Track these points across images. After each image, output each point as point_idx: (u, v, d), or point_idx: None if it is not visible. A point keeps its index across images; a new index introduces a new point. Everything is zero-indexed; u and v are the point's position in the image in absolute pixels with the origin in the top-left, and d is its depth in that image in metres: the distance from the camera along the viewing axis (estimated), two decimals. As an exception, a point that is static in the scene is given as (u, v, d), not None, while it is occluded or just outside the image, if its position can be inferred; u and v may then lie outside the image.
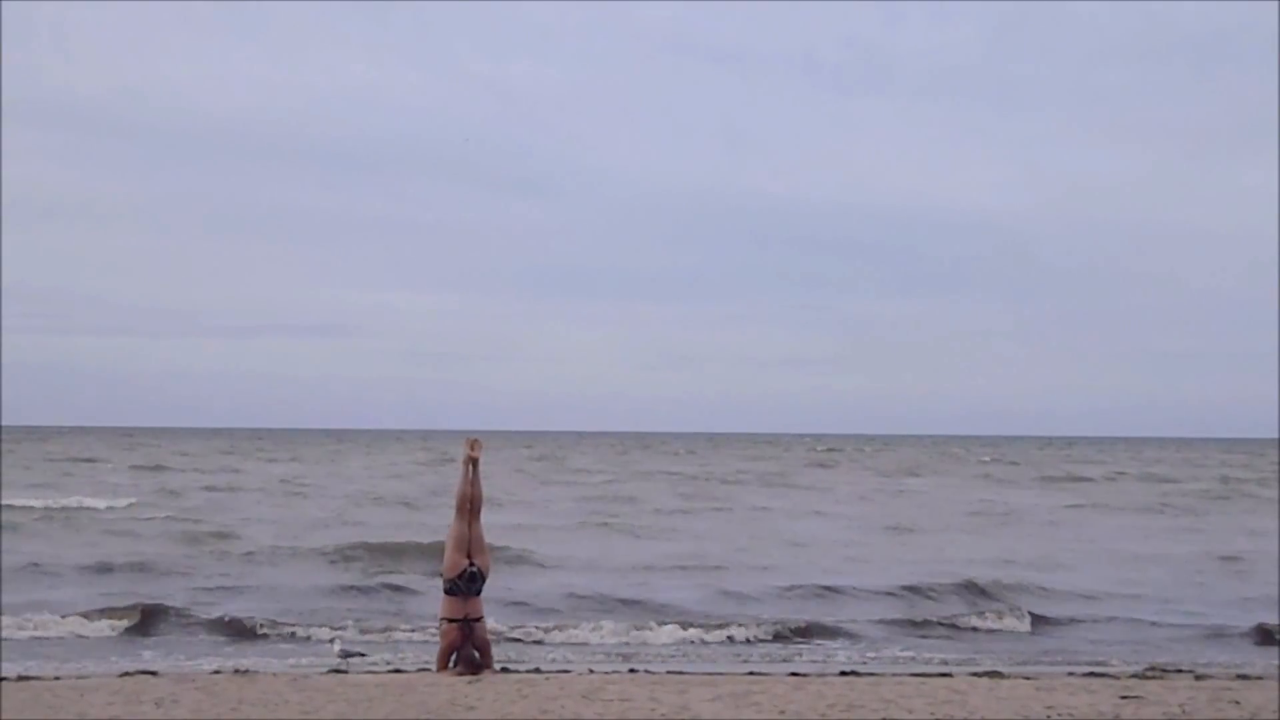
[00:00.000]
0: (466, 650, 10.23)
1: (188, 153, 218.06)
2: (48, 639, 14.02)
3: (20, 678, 10.50)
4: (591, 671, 11.46)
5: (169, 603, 16.10)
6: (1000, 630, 16.08)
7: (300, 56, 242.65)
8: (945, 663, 13.39)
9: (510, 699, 8.95)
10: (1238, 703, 9.24)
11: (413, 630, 14.76)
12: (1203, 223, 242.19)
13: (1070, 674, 11.58)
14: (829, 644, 14.90)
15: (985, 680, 10.52)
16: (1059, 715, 8.62)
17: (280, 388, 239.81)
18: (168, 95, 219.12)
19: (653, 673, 11.34)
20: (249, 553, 21.99)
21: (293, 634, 14.55)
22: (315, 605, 16.79)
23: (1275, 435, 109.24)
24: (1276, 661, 13.43)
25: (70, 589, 17.83)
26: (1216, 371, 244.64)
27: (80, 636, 14.33)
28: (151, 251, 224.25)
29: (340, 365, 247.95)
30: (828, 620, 16.10)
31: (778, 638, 15.17)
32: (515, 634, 14.72)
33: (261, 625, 14.78)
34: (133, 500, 33.41)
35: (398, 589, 18.32)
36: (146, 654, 13.37)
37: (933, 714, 8.61)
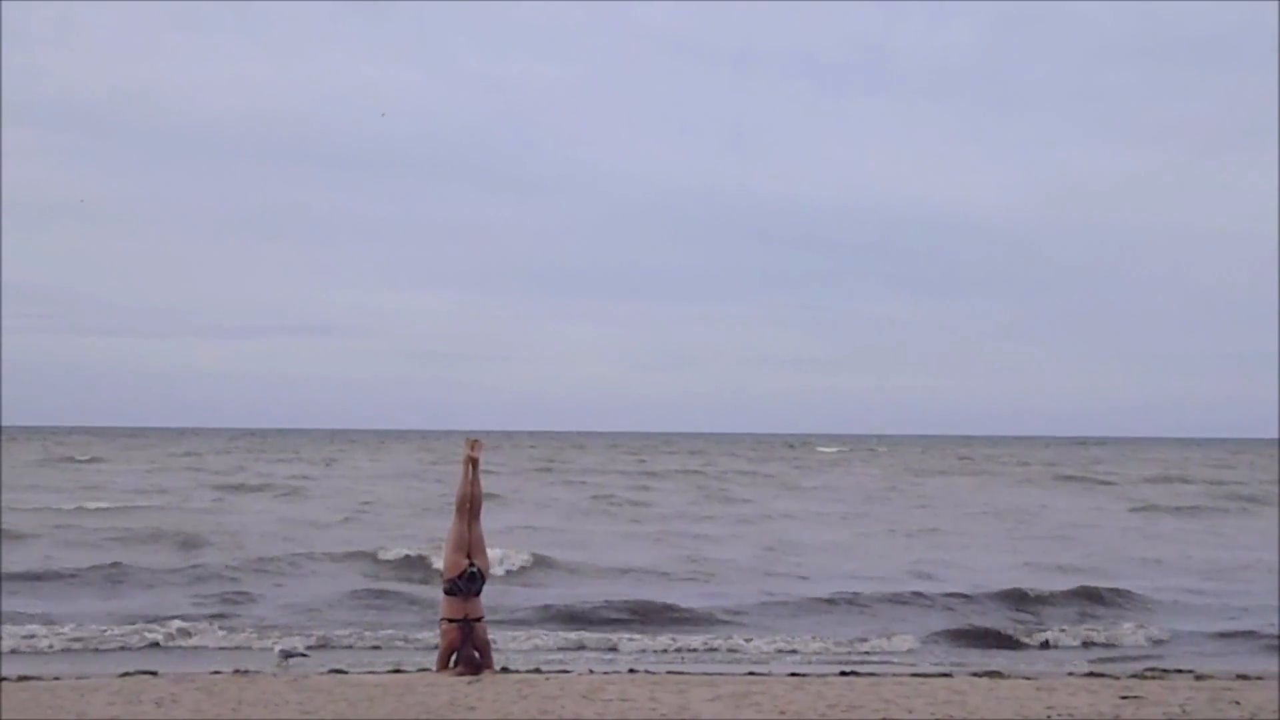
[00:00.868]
0: (466, 650, 10.23)
1: (188, 153, 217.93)
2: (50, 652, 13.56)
3: (20, 678, 10.49)
4: (591, 672, 11.46)
5: (172, 611, 15.92)
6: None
7: (300, 56, 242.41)
8: (947, 663, 13.40)
9: (510, 699, 8.95)
10: (1238, 703, 9.24)
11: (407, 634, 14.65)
12: (1203, 223, 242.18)
13: (1070, 674, 11.59)
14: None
15: (985, 680, 10.53)
16: (1059, 715, 8.62)
17: (280, 388, 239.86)
18: (168, 95, 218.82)
19: (653, 673, 11.34)
20: (260, 558, 21.38)
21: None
22: (315, 611, 16.60)
23: (1275, 435, 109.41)
24: (1277, 661, 13.44)
25: (70, 594, 17.64)
26: (1217, 371, 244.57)
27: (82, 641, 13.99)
28: (151, 251, 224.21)
29: (340, 365, 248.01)
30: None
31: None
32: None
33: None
34: (132, 503, 33.23)
35: (400, 593, 18.20)
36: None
37: (933, 714, 8.61)
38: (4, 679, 10.29)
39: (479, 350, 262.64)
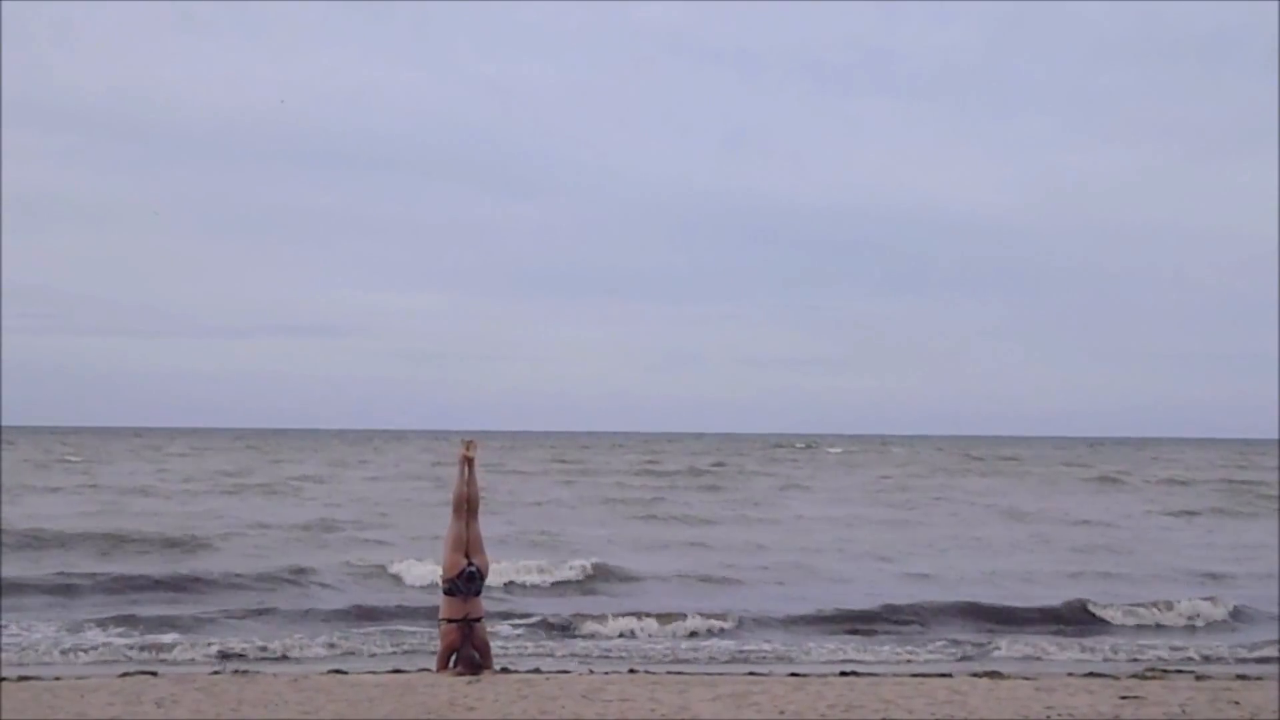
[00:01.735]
0: (466, 650, 10.23)
1: (188, 153, 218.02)
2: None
3: (20, 678, 10.50)
4: (591, 672, 11.47)
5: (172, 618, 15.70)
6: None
7: (300, 56, 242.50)
8: (946, 663, 13.40)
9: (510, 699, 8.95)
10: (1238, 703, 9.23)
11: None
12: (1202, 223, 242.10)
13: (1070, 674, 11.57)
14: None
15: (985, 680, 10.52)
16: (1059, 715, 8.62)
17: (280, 388, 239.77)
18: (168, 95, 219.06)
19: (653, 673, 11.34)
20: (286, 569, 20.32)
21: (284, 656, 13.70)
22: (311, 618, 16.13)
23: (1275, 435, 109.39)
24: (1277, 661, 13.44)
25: (71, 601, 17.15)
26: (1217, 371, 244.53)
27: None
28: (151, 251, 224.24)
29: (340, 365, 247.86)
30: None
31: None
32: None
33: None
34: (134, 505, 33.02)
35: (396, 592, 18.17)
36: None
37: (933, 714, 8.61)
38: (4, 679, 10.30)
39: (479, 350, 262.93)
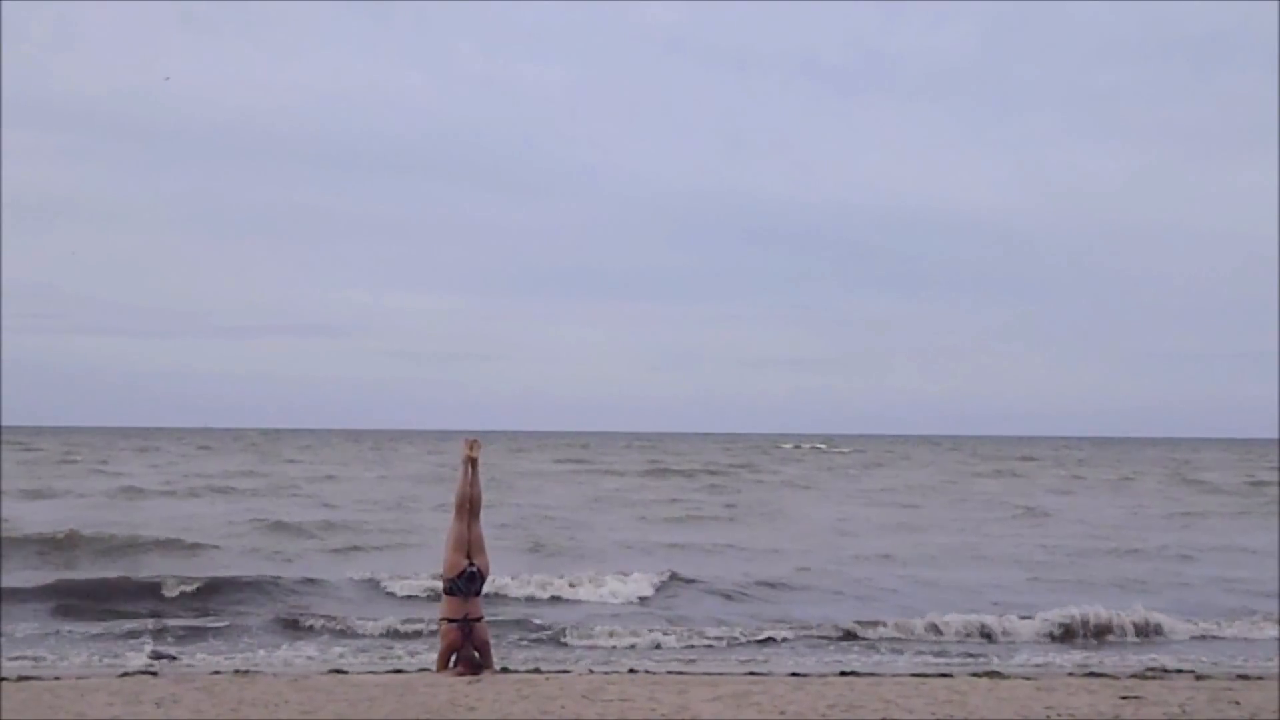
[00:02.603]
0: (466, 650, 10.23)
1: (188, 153, 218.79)
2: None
3: (20, 678, 10.50)
4: (591, 671, 11.46)
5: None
6: None
7: (300, 56, 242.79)
8: (945, 663, 13.39)
9: (510, 699, 8.94)
10: (1238, 703, 9.24)
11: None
12: (1202, 223, 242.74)
13: (1070, 674, 11.58)
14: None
15: (985, 680, 10.52)
16: (1059, 715, 8.62)
17: (280, 388, 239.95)
18: (168, 95, 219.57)
19: (653, 673, 11.34)
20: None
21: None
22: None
23: (1275, 435, 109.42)
24: (1277, 661, 13.43)
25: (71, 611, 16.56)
26: (1216, 371, 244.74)
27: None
28: (151, 251, 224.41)
29: (340, 365, 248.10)
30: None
31: None
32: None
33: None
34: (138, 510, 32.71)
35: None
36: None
37: (933, 714, 8.61)
38: (4, 679, 10.29)
39: (479, 350, 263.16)
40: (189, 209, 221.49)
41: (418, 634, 14.74)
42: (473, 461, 10.59)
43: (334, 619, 15.53)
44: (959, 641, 15.17)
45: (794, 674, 11.17)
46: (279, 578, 19.00)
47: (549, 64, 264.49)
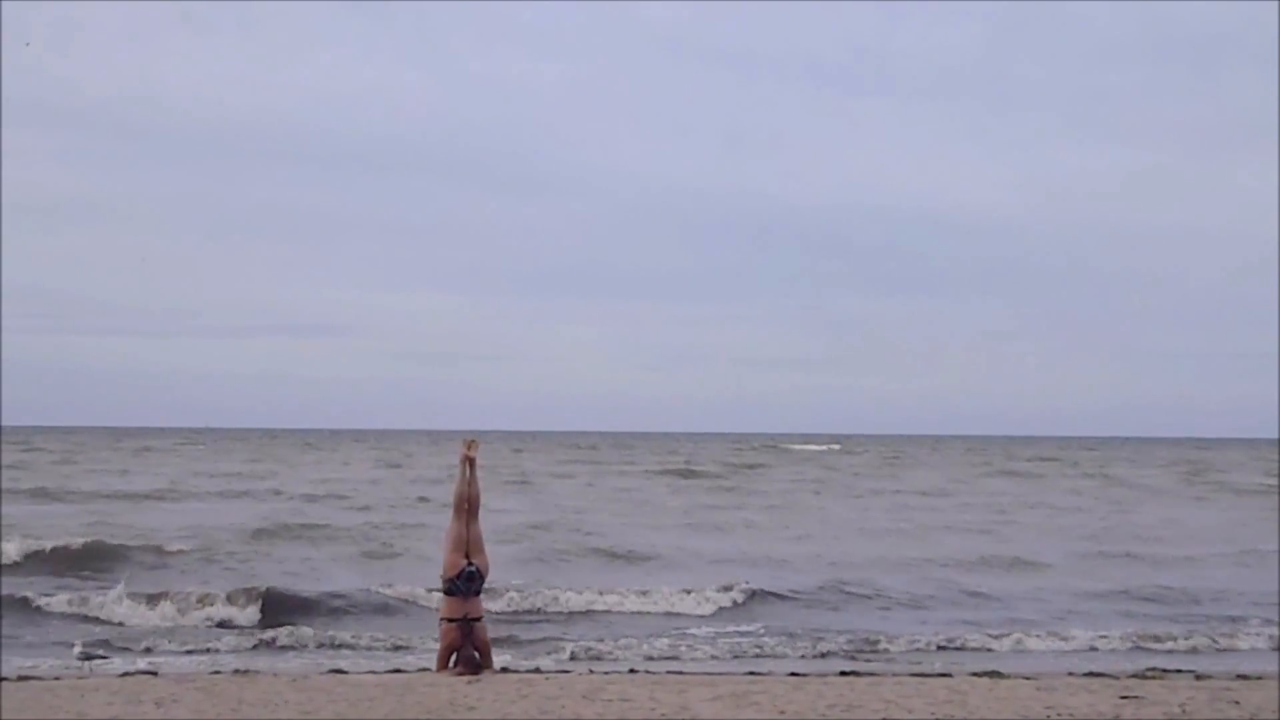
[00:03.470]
0: (466, 650, 10.23)
1: (188, 153, 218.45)
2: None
3: (20, 678, 10.49)
4: (591, 672, 11.45)
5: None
6: None
7: (300, 56, 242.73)
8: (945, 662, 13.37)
9: (510, 699, 8.94)
10: (1238, 703, 9.23)
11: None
12: (1202, 223, 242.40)
13: (1070, 674, 11.56)
14: None
15: (985, 680, 10.51)
16: (1059, 715, 8.62)
17: (280, 388, 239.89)
18: (168, 95, 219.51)
19: (653, 673, 11.34)
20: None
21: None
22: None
23: (1275, 435, 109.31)
24: (1276, 661, 13.43)
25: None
26: (1216, 371, 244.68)
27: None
28: (151, 251, 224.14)
29: (340, 365, 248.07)
30: None
31: None
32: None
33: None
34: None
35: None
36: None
37: (933, 714, 8.60)
38: (4, 679, 10.29)
39: (479, 350, 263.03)
40: (188, 209, 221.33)
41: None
42: (471, 461, 10.59)
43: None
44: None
45: (793, 674, 11.15)
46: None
47: (549, 64, 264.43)
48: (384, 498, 36.97)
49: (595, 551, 23.63)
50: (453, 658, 10.29)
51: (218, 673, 11.10)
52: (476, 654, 10.26)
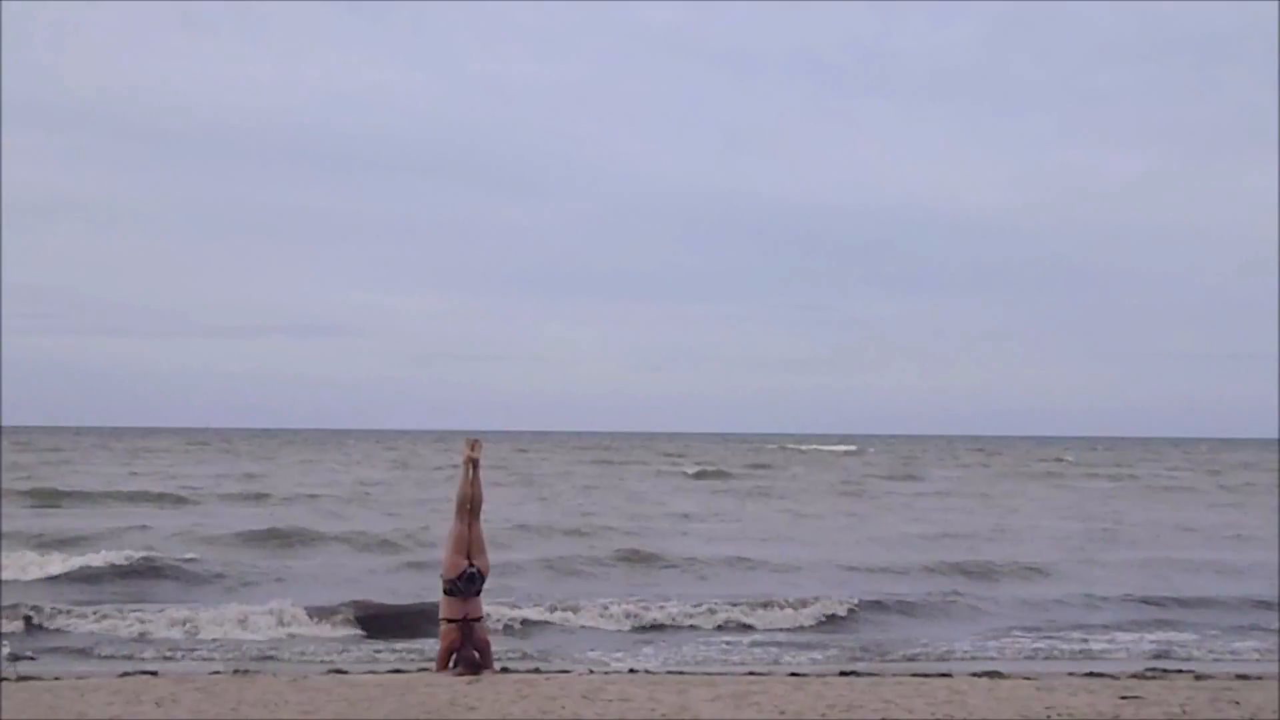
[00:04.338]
0: (466, 650, 10.23)
1: (188, 153, 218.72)
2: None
3: (20, 678, 10.50)
4: (591, 672, 11.46)
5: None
6: None
7: (300, 56, 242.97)
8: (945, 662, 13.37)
9: (510, 699, 8.94)
10: (1238, 703, 9.23)
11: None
12: (1202, 223, 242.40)
13: (1070, 674, 11.56)
14: None
15: (985, 680, 10.51)
16: (1059, 715, 8.62)
17: (281, 388, 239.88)
18: (167, 95, 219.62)
19: (653, 673, 11.34)
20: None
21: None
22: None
23: (1275, 435, 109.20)
24: (1277, 661, 13.42)
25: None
26: (1216, 371, 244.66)
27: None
28: (151, 251, 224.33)
29: (340, 365, 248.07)
30: None
31: None
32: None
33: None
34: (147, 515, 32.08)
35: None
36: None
37: (933, 714, 8.60)
38: (4, 679, 10.29)
39: (479, 350, 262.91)
40: (188, 209, 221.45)
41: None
42: (473, 462, 10.59)
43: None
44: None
45: (793, 674, 11.16)
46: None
47: (549, 64, 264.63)
48: (408, 498, 36.48)
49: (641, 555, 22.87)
50: (453, 658, 10.30)
51: (218, 673, 11.10)
52: (476, 654, 10.27)
